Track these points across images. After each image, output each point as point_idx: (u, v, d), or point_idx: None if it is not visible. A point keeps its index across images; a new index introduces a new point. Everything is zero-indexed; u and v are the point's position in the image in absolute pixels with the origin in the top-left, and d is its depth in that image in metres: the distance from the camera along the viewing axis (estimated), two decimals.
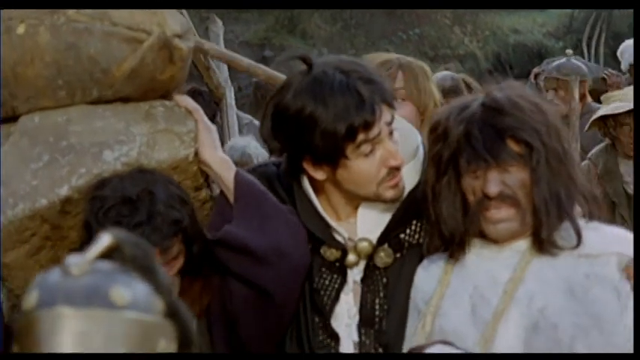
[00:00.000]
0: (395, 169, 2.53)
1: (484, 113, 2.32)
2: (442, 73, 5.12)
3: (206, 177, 2.71)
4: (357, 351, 2.60)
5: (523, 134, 2.29)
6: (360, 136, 2.47)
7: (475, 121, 2.31)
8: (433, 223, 2.43)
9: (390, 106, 2.52)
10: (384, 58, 3.55)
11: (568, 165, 2.35)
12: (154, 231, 2.46)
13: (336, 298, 2.61)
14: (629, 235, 2.41)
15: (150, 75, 2.61)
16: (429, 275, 2.48)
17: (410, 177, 2.60)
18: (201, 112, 2.71)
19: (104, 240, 1.53)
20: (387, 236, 2.61)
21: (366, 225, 2.61)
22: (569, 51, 6.59)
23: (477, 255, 2.40)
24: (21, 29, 2.57)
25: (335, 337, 2.61)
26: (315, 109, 2.46)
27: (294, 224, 2.59)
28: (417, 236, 2.62)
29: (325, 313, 2.60)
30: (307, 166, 2.55)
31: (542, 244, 2.32)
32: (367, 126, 2.46)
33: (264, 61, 11.96)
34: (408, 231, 2.63)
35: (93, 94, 2.62)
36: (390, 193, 2.55)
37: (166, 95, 2.70)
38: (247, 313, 2.58)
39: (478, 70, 13.39)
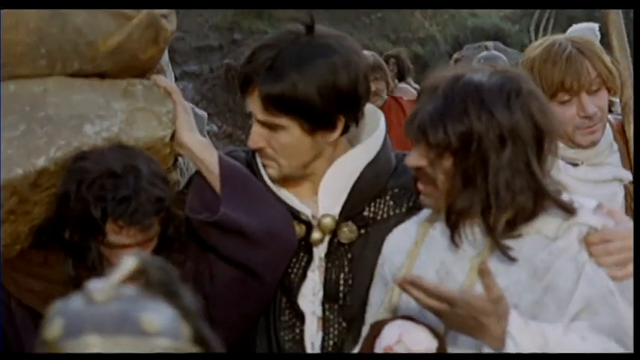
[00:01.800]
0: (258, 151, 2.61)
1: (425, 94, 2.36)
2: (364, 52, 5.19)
3: (175, 161, 2.69)
4: (320, 327, 2.62)
5: (452, 131, 2.27)
6: (244, 97, 2.60)
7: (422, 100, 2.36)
8: None
9: (263, 101, 2.53)
10: (549, 41, 3.09)
11: (518, 155, 2.29)
12: (138, 207, 2.42)
13: (303, 276, 2.62)
14: (588, 204, 2.37)
15: (132, 53, 2.57)
16: (398, 246, 2.49)
17: (362, 155, 2.64)
18: (179, 94, 2.69)
19: (129, 263, 1.45)
20: (350, 212, 2.63)
21: (328, 201, 2.64)
22: (490, 43, 6.66)
23: (444, 231, 2.40)
24: None
25: (301, 317, 2.63)
26: None
27: (281, 206, 2.61)
28: (380, 212, 2.65)
29: (293, 291, 2.62)
30: None
31: (491, 230, 2.30)
32: (242, 88, 2.58)
33: (235, 43, 11.91)
34: (372, 208, 2.66)
35: (73, 67, 2.55)
36: (265, 168, 2.63)
37: (142, 75, 2.66)
38: (230, 295, 2.56)
39: (438, 52, 13.75)
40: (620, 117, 3.22)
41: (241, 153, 2.75)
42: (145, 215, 2.43)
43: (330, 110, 2.54)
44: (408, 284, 2.22)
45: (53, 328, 1.42)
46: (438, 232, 2.42)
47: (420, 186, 2.36)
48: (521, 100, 2.27)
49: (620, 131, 3.15)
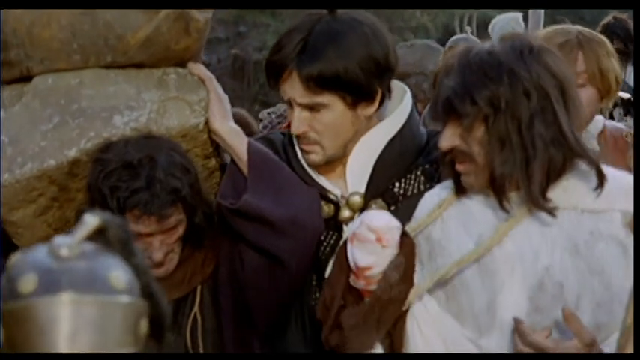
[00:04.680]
0: (298, 137, 2.62)
1: (454, 67, 2.32)
2: None
3: (216, 146, 2.73)
4: None
5: (479, 97, 2.26)
6: (279, 85, 2.60)
7: (446, 75, 2.33)
8: None
9: (306, 81, 2.54)
10: (561, 38, 3.10)
11: (550, 125, 2.28)
12: (152, 198, 2.47)
13: (331, 254, 2.63)
14: (632, 188, 2.34)
15: (164, 44, 2.63)
16: (426, 207, 2.49)
17: (386, 130, 2.65)
18: (214, 81, 2.72)
19: (91, 221, 1.51)
20: (377, 188, 2.65)
21: (355, 179, 2.65)
22: (469, 28, 6.65)
23: (482, 203, 2.39)
24: None
25: None
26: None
27: (310, 194, 2.63)
28: (411, 188, 2.66)
29: (322, 271, 2.63)
30: None
31: (532, 201, 2.29)
32: (276, 76, 2.58)
33: (240, 35, 12.01)
34: (402, 184, 2.67)
35: (107, 60, 2.63)
36: (305, 156, 2.65)
37: (181, 64, 2.71)
38: (259, 281, 2.60)
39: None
40: (619, 126, 3.23)
41: (279, 135, 2.78)
42: (161, 206, 2.48)
43: (370, 81, 2.56)
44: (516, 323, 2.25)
45: (27, 282, 1.46)
46: (475, 203, 2.40)
47: (459, 167, 2.34)
48: (535, 55, 2.29)
49: (605, 137, 3.15)
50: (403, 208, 2.62)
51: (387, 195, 2.66)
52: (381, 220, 2.30)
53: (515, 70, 2.25)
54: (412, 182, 2.67)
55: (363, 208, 2.63)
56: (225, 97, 2.73)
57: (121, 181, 2.48)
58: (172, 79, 2.68)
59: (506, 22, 7.11)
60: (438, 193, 2.48)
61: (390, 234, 2.29)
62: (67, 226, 2.64)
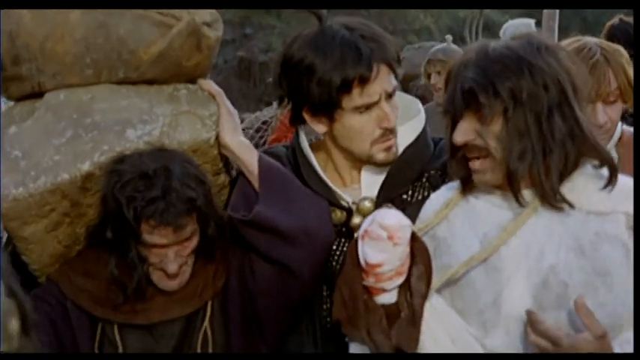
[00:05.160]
0: (389, 131, 2.65)
1: (472, 62, 2.33)
2: None
3: (225, 162, 2.75)
4: None
5: (501, 88, 2.28)
6: (356, 90, 2.59)
7: (462, 71, 2.33)
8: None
9: (391, 67, 2.63)
10: (587, 57, 3.02)
11: (569, 119, 2.31)
12: (168, 207, 2.48)
13: (344, 262, 2.64)
14: (632, 190, 2.38)
15: (176, 60, 2.65)
16: (431, 207, 2.51)
17: (405, 135, 2.72)
18: (224, 96, 2.75)
19: None
20: (389, 194, 2.69)
21: (368, 183, 2.71)
22: (449, 37, 6.66)
23: (487, 201, 2.42)
24: None
25: None
26: (314, 59, 2.60)
27: (320, 204, 2.67)
28: (416, 194, 2.72)
29: (334, 279, 2.62)
30: (307, 116, 2.67)
31: (545, 196, 2.32)
32: (362, 80, 2.58)
33: (246, 37, 12.08)
34: (410, 192, 2.72)
35: (119, 75, 2.65)
36: (381, 155, 2.68)
37: (191, 81, 2.74)
38: (271, 290, 2.62)
39: (433, 42, 14.03)
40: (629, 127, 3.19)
41: (282, 149, 2.83)
42: (177, 215, 2.49)
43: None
44: (529, 314, 2.26)
45: None
46: (481, 202, 2.43)
47: (474, 164, 2.35)
48: (551, 51, 2.33)
49: (623, 142, 3.11)
50: (408, 213, 2.62)
51: (396, 201, 2.71)
52: (392, 218, 2.32)
53: (534, 63, 2.28)
54: (419, 189, 2.73)
55: None
56: (235, 112, 2.75)
57: (137, 190, 2.49)
58: (183, 94, 2.71)
59: (517, 28, 7.08)
60: (444, 194, 2.51)
61: (402, 232, 2.31)
62: (76, 243, 2.66)
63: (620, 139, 3.13)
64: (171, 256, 2.56)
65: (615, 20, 5.28)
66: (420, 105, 2.81)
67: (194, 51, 2.66)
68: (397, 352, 2.34)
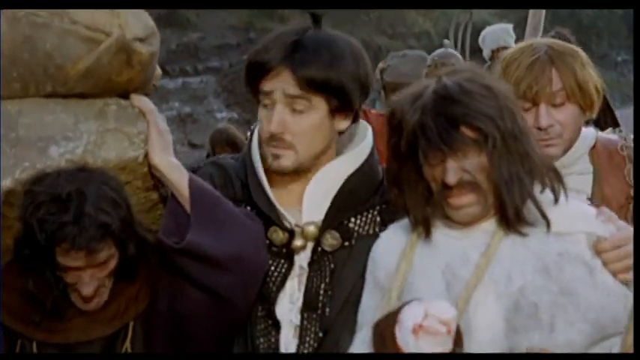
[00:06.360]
0: (271, 139, 2.60)
1: (435, 102, 2.34)
2: None
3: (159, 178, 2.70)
4: (296, 335, 2.62)
5: (475, 121, 2.31)
6: (262, 83, 2.60)
7: (427, 112, 2.33)
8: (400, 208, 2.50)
9: (299, 79, 2.56)
10: (529, 57, 2.87)
11: (525, 143, 2.37)
12: (80, 232, 2.44)
13: (282, 284, 2.63)
14: (590, 211, 2.45)
15: (106, 76, 2.60)
16: (389, 250, 2.50)
17: (347, 164, 2.66)
18: (156, 113, 2.69)
19: None
20: (333, 220, 2.64)
21: (311, 209, 2.65)
22: (447, 41, 6.65)
23: (446, 235, 2.42)
24: None
25: (277, 325, 2.63)
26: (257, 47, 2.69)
27: (252, 228, 2.62)
28: (367, 227, 2.67)
29: (270, 300, 2.63)
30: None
31: (510, 223, 2.35)
32: (263, 69, 2.59)
33: (250, 41, 12.18)
34: (358, 221, 2.67)
35: (47, 89, 2.61)
36: (269, 159, 2.64)
37: (125, 95, 2.69)
38: (201, 314, 2.59)
39: (431, 45, 14.24)
40: (612, 138, 3.00)
41: (229, 160, 2.78)
42: (89, 240, 2.45)
43: (353, 93, 2.60)
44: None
45: None
46: (439, 236, 2.43)
47: (463, 199, 2.36)
48: (489, 83, 2.40)
49: (598, 151, 2.94)
50: (357, 246, 2.64)
51: (341, 228, 2.66)
52: (448, 311, 2.27)
53: (495, 90, 2.35)
54: (368, 222, 2.68)
55: (318, 239, 2.64)
56: (167, 131, 2.70)
57: (49, 214, 2.46)
58: (112, 110, 2.66)
59: (496, 33, 7.07)
60: (398, 235, 2.49)
61: (454, 322, 2.28)
62: (5, 254, 2.63)
63: (593, 147, 2.95)
64: (86, 278, 2.53)
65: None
66: (370, 130, 2.74)
67: (124, 67, 2.61)
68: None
